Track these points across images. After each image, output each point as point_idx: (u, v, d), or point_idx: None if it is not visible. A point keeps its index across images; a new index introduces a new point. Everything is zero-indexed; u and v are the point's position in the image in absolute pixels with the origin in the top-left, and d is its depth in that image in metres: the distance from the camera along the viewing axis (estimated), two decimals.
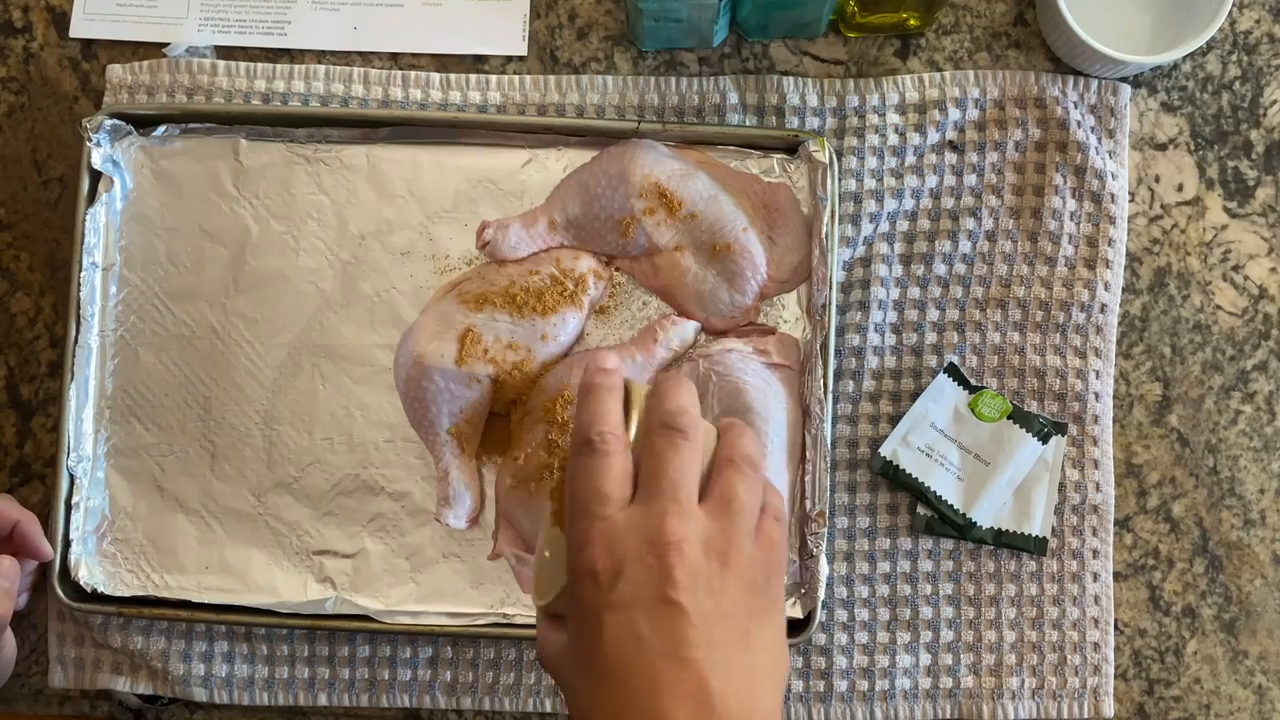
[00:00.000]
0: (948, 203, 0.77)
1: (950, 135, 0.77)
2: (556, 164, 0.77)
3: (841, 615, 0.75)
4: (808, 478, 0.73)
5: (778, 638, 0.53)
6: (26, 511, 0.72)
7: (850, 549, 0.76)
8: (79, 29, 0.79)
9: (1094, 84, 0.77)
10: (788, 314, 0.76)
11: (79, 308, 0.75)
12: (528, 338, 0.73)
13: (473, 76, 0.78)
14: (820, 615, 0.73)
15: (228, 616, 0.74)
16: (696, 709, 0.49)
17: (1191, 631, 0.76)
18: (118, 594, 0.75)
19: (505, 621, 0.74)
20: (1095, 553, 0.76)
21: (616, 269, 0.76)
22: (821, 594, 0.72)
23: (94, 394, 0.76)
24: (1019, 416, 0.75)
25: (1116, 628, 0.76)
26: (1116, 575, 0.76)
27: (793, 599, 0.74)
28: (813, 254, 0.75)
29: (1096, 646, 0.75)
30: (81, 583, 0.74)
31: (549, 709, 0.76)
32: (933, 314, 0.77)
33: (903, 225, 0.77)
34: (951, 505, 0.75)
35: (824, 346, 0.73)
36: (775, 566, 0.53)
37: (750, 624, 0.51)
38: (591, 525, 0.51)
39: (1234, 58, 0.79)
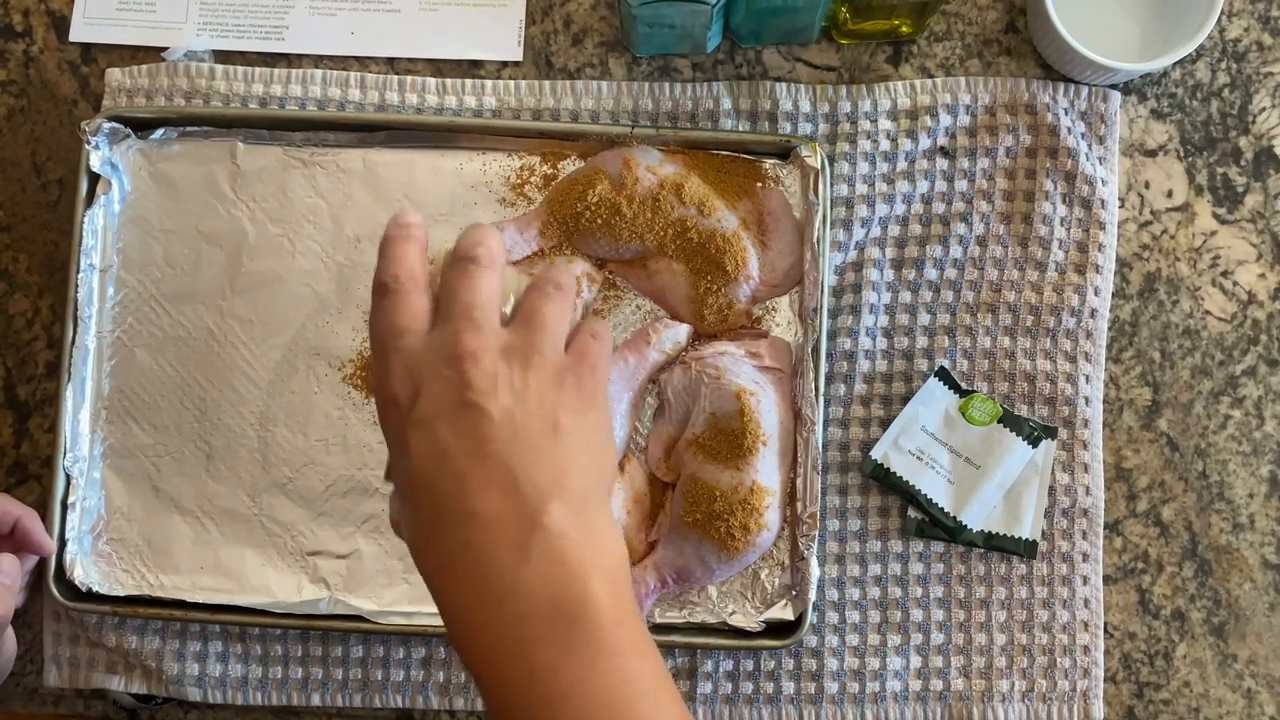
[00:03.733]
0: (939, 208, 0.78)
1: (941, 141, 0.78)
2: (551, 169, 0.77)
3: (832, 617, 0.76)
4: (799, 480, 0.73)
5: (592, 427, 0.53)
6: (27, 508, 0.72)
7: (841, 551, 0.76)
8: (78, 33, 0.80)
9: (1084, 91, 0.78)
10: (779, 317, 0.76)
11: (76, 309, 0.76)
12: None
13: (468, 81, 0.79)
14: (811, 617, 0.73)
15: (222, 616, 0.75)
16: (504, 495, 0.50)
17: (1181, 635, 0.77)
18: (113, 593, 0.76)
19: None
20: (1085, 556, 0.76)
21: (610, 273, 0.77)
22: (812, 596, 0.73)
23: (91, 395, 0.77)
24: (1009, 420, 0.76)
25: (1106, 631, 0.77)
26: (1106, 579, 0.77)
27: (784, 600, 0.74)
28: (804, 258, 0.75)
29: (1086, 650, 0.76)
30: (77, 582, 0.75)
31: None
32: (924, 318, 0.77)
33: (894, 230, 0.78)
34: (942, 508, 0.75)
35: (815, 350, 0.74)
36: (586, 370, 0.54)
37: (559, 415, 0.52)
38: (390, 357, 0.53)
39: (1223, 65, 0.80)
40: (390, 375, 0.53)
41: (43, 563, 0.74)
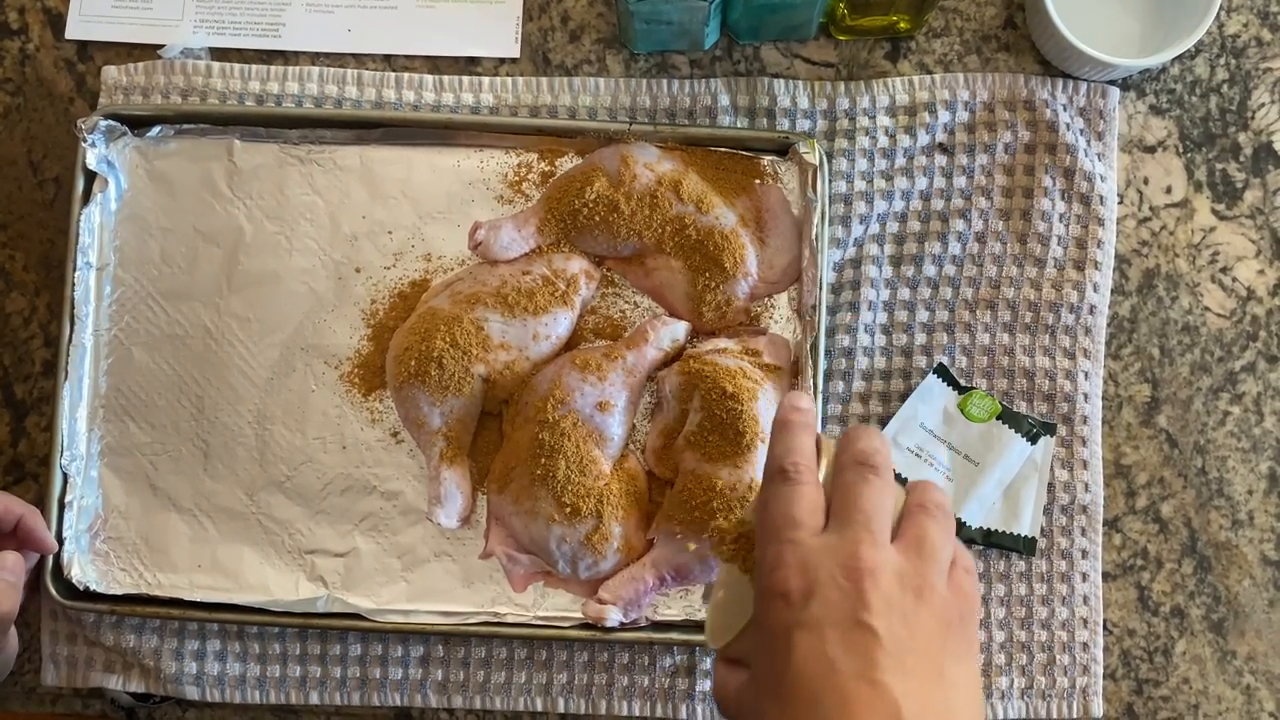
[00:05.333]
0: (937, 204, 0.78)
1: (940, 137, 0.78)
2: (549, 166, 0.77)
3: None
4: None
5: (972, 680, 0.51)
6: (29, 506, 0.72)
7: None
8: (74, 30, 0.80)
9: (1083, 87, 0.78)
10: (778, 315, 0.76)
11: (73, 307, 0.75)
12: (519, 338, 0.74)
13: (465, 78, 0.79)
14: None
15: (220, 615, 0.75)
16: None
17: (1180, 631, 0.77)
18: (110, 592, 0.75)
19: (496, 620, 0.74)
20: (1084, 553, 0.76)
21: (608, 270, 0.77)
22: None
23: (88, 393, 0.77)
24: (1008, 417, 0.75)
25: (1105, 628, 0.76)
26: (1105, 575, 0.77)
27: None
28: (803, 255, 0.75)
29: (1085, 646, 0.75)
30: (74, 581, 0.75)
31: (539, 708, 0.76)
32: (922, 315, 0.77)
33: (893, 227, 0.78)
34: None
35: (814, 347, 0.74)
36: (969, 612, 0.52)
37: (944, 660, 0.50)
38: (784, 549, 0.51)
39: (1222, 61, 0.79)
40: (784, 568, 0.51)
41: (41, 561, 0.74)
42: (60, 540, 0.74)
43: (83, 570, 0.75)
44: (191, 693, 0.76)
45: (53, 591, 0.74)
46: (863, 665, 0.49)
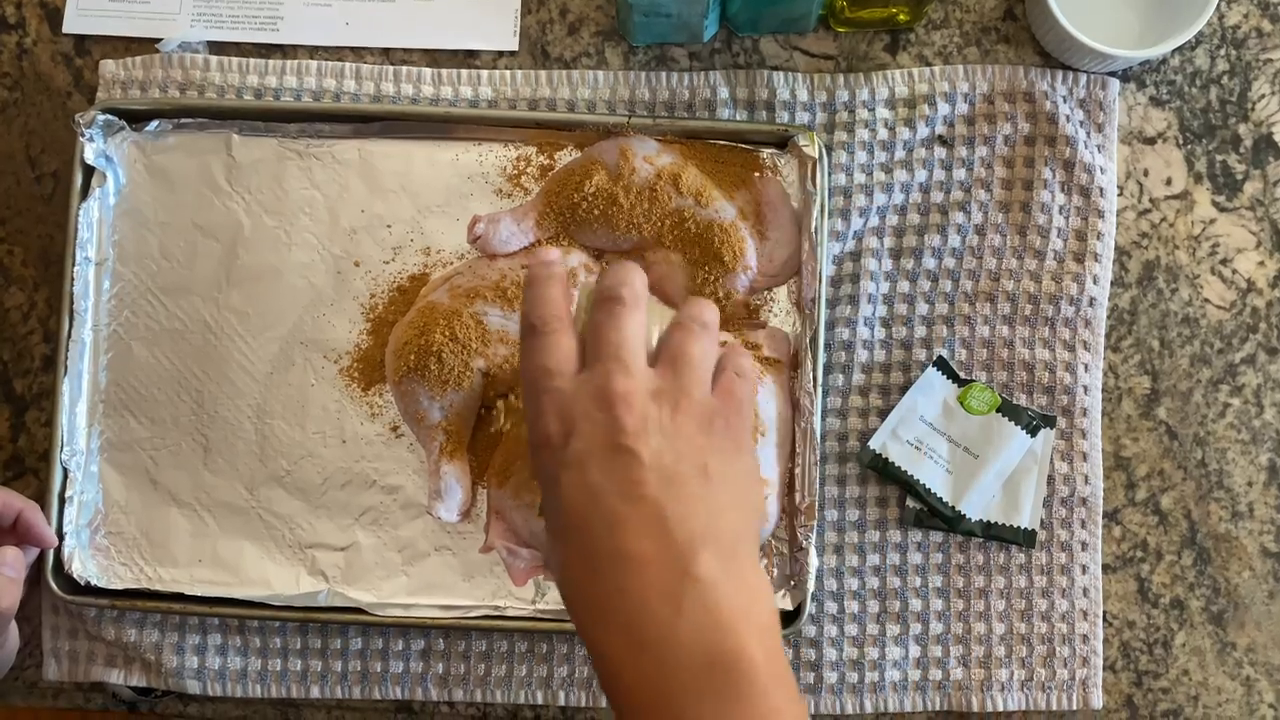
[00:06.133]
0: (937, 197, 0.77)
1: (940, 130, 0.78)
2: (547, 159, 0.77)
3: (831, 607, 0.76)
4: (797, 471, 0.73)
5: (741, 474, 0.53)
6: (29, 501, 0.72)
7: (840, 541, 0.76)
8: (72, 24, 0.80)
9: (1083, 78, 0.78)
10: (777, 308, 0.76)
11: (72, 302, 0.75)
12: (518, 331, 0.74)
13: (464, 71, 0.79)
14: (810, 607, 0.73)
15: (220, 609, 0.75)
16: (656, 540, 0.50)
17: (1180, 623, 0.77)
18: (111, 587, 0.75)
19: (497, 614, 0.75)
20: (1084, 545, 0.76)
21: (607, 263, 0.77)
22: (811, 586, 0.73)
23: (87, 388, 0.77)
24: (1008, 409, 0.75)
25: (1105, 620, 0.77)
26: (1105, 567, 0.77)
27: (782, 591, 0.74)
28: (802, 248, 0.75)
29: (1085, 638, 0.76)
30: (75, 576, 0.75)
31: (540, 701, 0.76)
32: (922, 308, 0.77)
33: (892, 219, 0.78)
34: (940, 498, 0.75)
35: (813, 340, 0.74)
36: (734, 412, 0.54)
37: (708, 459, 0.52)
38: (542, 399, 0.54)
39: (1222, 52, 0.79)
40: (543, 416, 0.53)
41: (41, 556, 0.74)
42: (61, 535, 0.74)
43: (83, 565, 0.75)
44: (193, 687, 0.76)
45: (54, 586, 0.74)
46: (625, 485, 0.51)
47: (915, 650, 0.76)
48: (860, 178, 0.77)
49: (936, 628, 0.76)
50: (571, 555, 0.52)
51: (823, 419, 0.76)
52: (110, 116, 0.76)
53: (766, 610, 0.52)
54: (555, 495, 0.52)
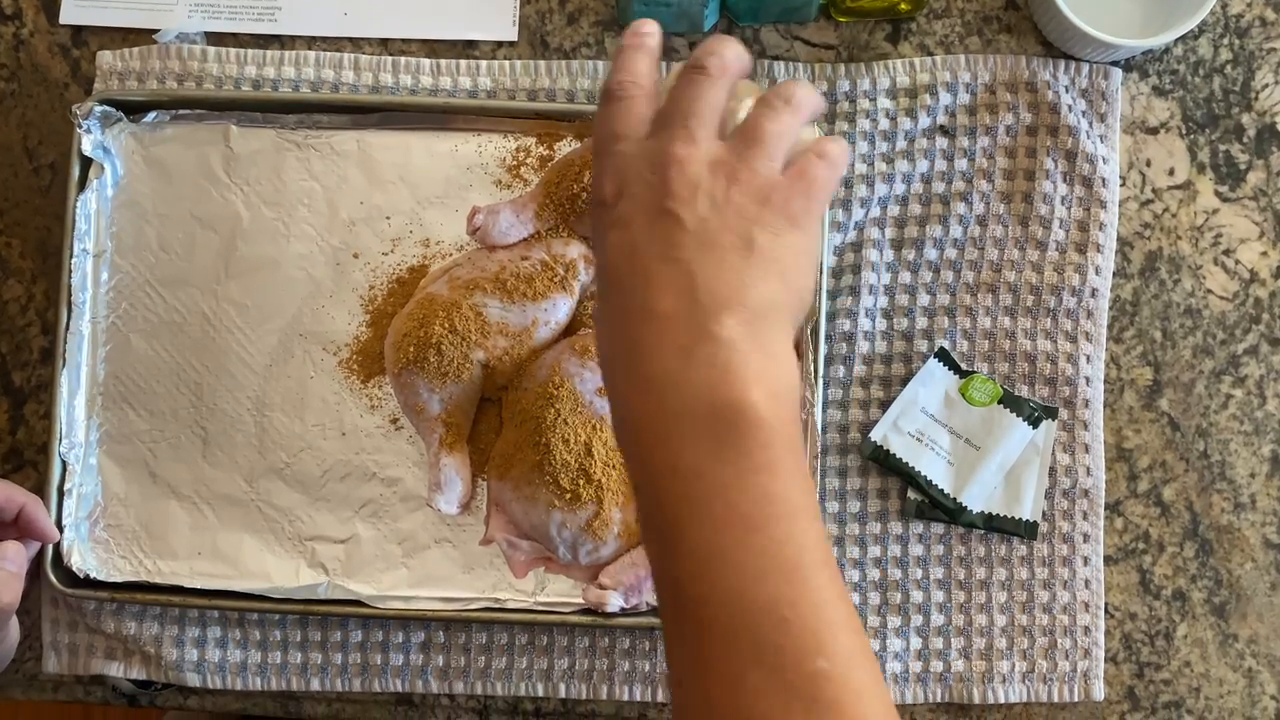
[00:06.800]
0: (938, 187, 0.77)
1: (941, 120, 0.77)
2: (547, 150, 0.77)
3: None
4: None
5: (790, 249, 0.52)
6: (31, 495, 0.72)
7: (841, 533, 0.76)
8: (69, 15, 0.79)
9: (1085, 68, 0.77)
10: None
11: (70, 294, 0.75)
12: (518, 323, 0.73)
13: (463, 62, 0.78)
14: None
15: (220, 602, 0.75)
16: (681, 298, 0.50)
17: (1182, 615, 0.77)
18: (110, 580, 0.75)
19: (497, 606, 0.74)
20: (1085, 537, 0.76)
21: None
22: None
23: (86, 381, 0.76)
24: (1009, 401, 0.75)
25: (1107, 611, 0.76)
26: (1107, 559, 0.76)
27: None
28: None
29: (1087, 630, 0.75)
30: (74, 569, 0.75)
31: (540, 693, 0.76)
32: (923, 299, 0.77)
33: (893, 210, 0.77)
34: (942, 490, 0.75)
35: (814, 331, 0.74)
36: (799, 193, 0.52)
37: (755, 232, 0.51)
38: (604, 160, 0.54)
39: (1225, 41, 0.79)
40: (603, 176, 0.53)
41: (41, 550, 0.74)
42: (60, 528, 0.74)
43: (83, 558, 0.75)
44: (192, 680, 0.76)
45: (53, 579, 0.74)
46: (663, 247, 0.51)
47: (916, 642, 0.75)
48: (861, 168, 0.77)
49: (938, 619, 0.75)
50: (607, 310, 0.53)
51: (823, 410, 0.76)
52: (108, 108, 0.76)
53: (784, 377, 0.51)
54: (602, 253, 0.53)
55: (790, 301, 0.52)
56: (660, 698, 0.76)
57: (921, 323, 0.77)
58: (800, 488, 0.50)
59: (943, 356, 0.76)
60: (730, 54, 0.54)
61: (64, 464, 0.75)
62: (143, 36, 0.79)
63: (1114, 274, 0.77)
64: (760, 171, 0.52)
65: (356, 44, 0.79)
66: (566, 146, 0.77)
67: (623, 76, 0.54)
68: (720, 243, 0.51)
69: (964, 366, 0.76)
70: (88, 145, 0.75)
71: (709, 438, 0.49)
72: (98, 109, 0.75)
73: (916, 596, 0.76)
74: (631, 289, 0.51)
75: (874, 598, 0.75)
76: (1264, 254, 0.78)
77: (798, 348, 0.74)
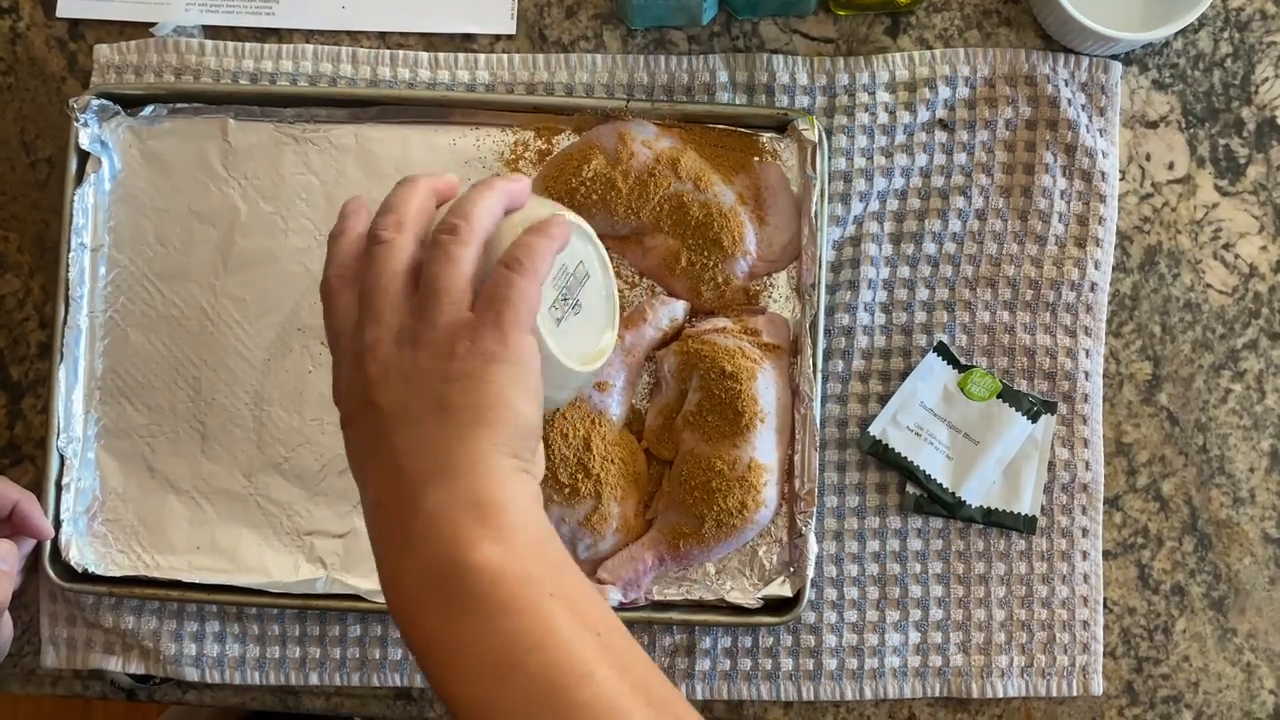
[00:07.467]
0: (938, 181, 0.77)
1: (940, 113, 0.77)
2: (545, 143, 0.77)
3: (831, 594, 0.75)
4: (797, 457, 0.73)
5: (495, 385, 0.52)
6: (25, 491, 0.72)
7: (839, 528, 0.76)
8: (66, 8, 0.79)
9: (1085, 62, 0.77)
10: (777, 293, 0.76)
11: (68, 289, 0.75)
12: None
13: (461, 55, 0.78)
14: (809, 594, 0.73)
15: (219, 596, 0.75)
16: (389, 483, 0.52)
17: (1180, 610, 0.77)
18: (109, 574, 0.75)
19: None
20: (1084, 531, 0.76)
21: (605, 249, 0.76)
22: (810, 572, 0.73)
23: (84, 375, 0.76)
24: (1008, 395, 0.75)
25: (1105, 606, 0.76)
26: (1106, 554, 0.76)
27: (782, 577, 0.74)
28: (802, 233, 0.74)
29: (1085, 625, 0.75)
30: (73, 563, 0.75)
31: None
32: (922, 293, 0.77)
33: (893, 204, 0.77)
34: (941, 484, 0.75)
35: (813, 326, 0.73)
36: (491, 322, 0.53)
37: (446, 390, 0.52)
38: (334, 368, 0.57)
39: (1226, 34, 0.79)
40: (335, 384, 0.57)
41: (39, 545, 0.74)
42: (58, 522, 0.74)
43: (81, 552, 0.75)
44: (191, 674, 0.76)
45: (51, 574, 0.74)
46: (373, 438, 0.53)
47: (915, 637, 0.75)
48: (860, 162, 0.77)
49: (936, 614, 0.75)
50: (368, 501, 0.55)
51: (822, 405, 0.76)
52: (105, 101, 0.76)
53: (509, 504, 0.52)
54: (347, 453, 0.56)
55: (505, 432, 0.53)
56: None
57: (920, 317, 0.76)
58: (548, 613, 0.50)
59: (942, 351, 0.76)
60: (406, 207, 0.55)
61: (62, 458, 0.75)
62: (140, 30, 0.79)
63: (1113, 268, 0.77)
64: (440, 324, 0.53)
65: (354, 37, 0.79)
66: (565, 140, 0.77)
67: (327, 271, 0.56)
68: (415, 416, 0.52)
69: (963, 361, 0.76)
70: (85, 139, 0.75)
71: (443, 604, 0.50)
72: (95, 103, 0.75)
73: (915, 591, 0.75)
74: (362, 486, 0.54)
75: (872, 592, 0.75)
76: (1263, 248, 0.78)
77: (797, 342, 0.74)
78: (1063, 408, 0.76)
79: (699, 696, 0.75)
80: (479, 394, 0.52)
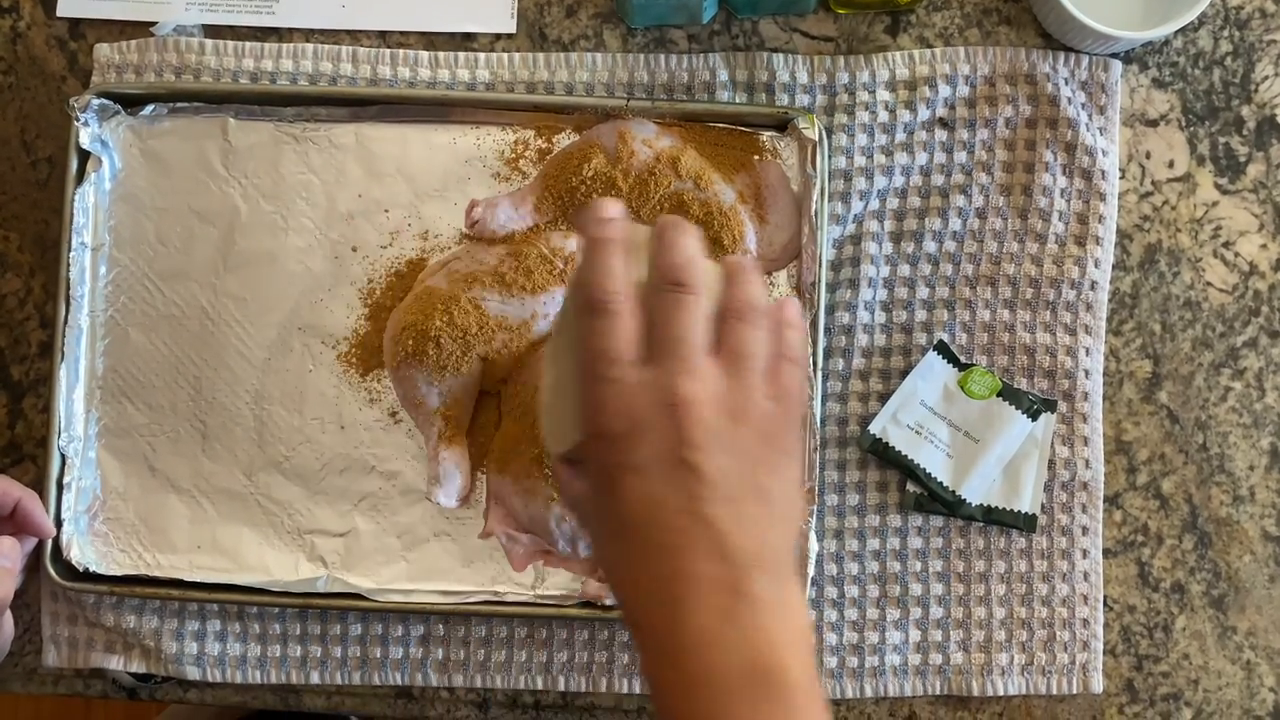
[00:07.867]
0: (938, 180, 0.77)
1: (940, 112, 0.77)
2: (546, 142, 0.77)
3: (831, 592, 0.75)
4: None
5: (787, 486, 0.53)
6: (27, 489, 0.72)
7: (840, 526, 0.76)
8: (66, 8, 0.79)
9: (1085, 60, 0.77)
10: (777, 292, 0.76)
11: (69, 288, 0.75)
12: (517, 316, 0.73)
13: (461, 54, 0.78)
14: (810, 592, 0.73)
15: (220, 595, 0.75)
16: (715, 560, 0.50)
17: (1180, 608, 0.77)
18: (110, 573, 0.75)
19: (496, 599, 0.74)
20: (1084, 529, 0.76)
21: None
22: (811, 571, 0.73)
23: (84, 374, 0.76)
24: (1009, 394, 0.75)
25: (1106, 604, 0.76)
26: (1106, 552, 0.76)
27: None
28: (802, 232, 0.74)
29: (1085, 623, 0.76)
30: (74, 562, 0.75)
31: (540, 686, 0.76)
32: (923, 292, 0.77)
33: (893, 203, 0.77)
34: (941, 482, 0.75)
35: (814, 324, 0.73)
36: (788, 417, 0.53)
37: (762, 476, 0.52)
38: (604, 388, 0.52)
39: (1226, 33, 0.79)
40: (604, 410, 0.52)
41: (40, 544, 0.74)
42: (59, 522, 0.74)
43: (82, 551, 0.75)
44: (192, 673, 0.76)
45: (52, 573, 0.74)
46: (686, 500, 0.51)
47: (915, 635, 0.75)
48: (860, 161, 0.77)
49: (936, 612, 0.75)
50: (625, 556, 0.52)
51: (822, 403, 0.76)
52: (105, 101, 0.76)
53: (805, 629, 0.52)
54: (614, 495, 0.52)
55: (793, 539, 0.53)
56: None
57: (920, 315, 0.77)
58: (817, 686, 0.51)
59: (942, 349, 0.76)
60: (698, 254, 0.53)
61: (63, 458, 0.75)
62: (140, 29, 0.79)
63: (1113, 266, 0.77)
64: (757, 402, 0.52)
65: (354, 36, 0.79)
66: (565, 139, 0.77)
67: (605, 283, 0.52)
68: (739, 495, 0.51)
69: (963, 359, 0.76)
70: (85, 138, 0.75)
71: (750, 698, 0.49)
72: (95, 102, 0.75)
73: (915, 589, 0.76)
74: (661, 545, 0.51)
75: (873, 590, 0.76)
76: (1263, 246, 0.78)
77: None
78: (1063, 406, 0.76)
79: None
80: (785, 487, 0.53)
